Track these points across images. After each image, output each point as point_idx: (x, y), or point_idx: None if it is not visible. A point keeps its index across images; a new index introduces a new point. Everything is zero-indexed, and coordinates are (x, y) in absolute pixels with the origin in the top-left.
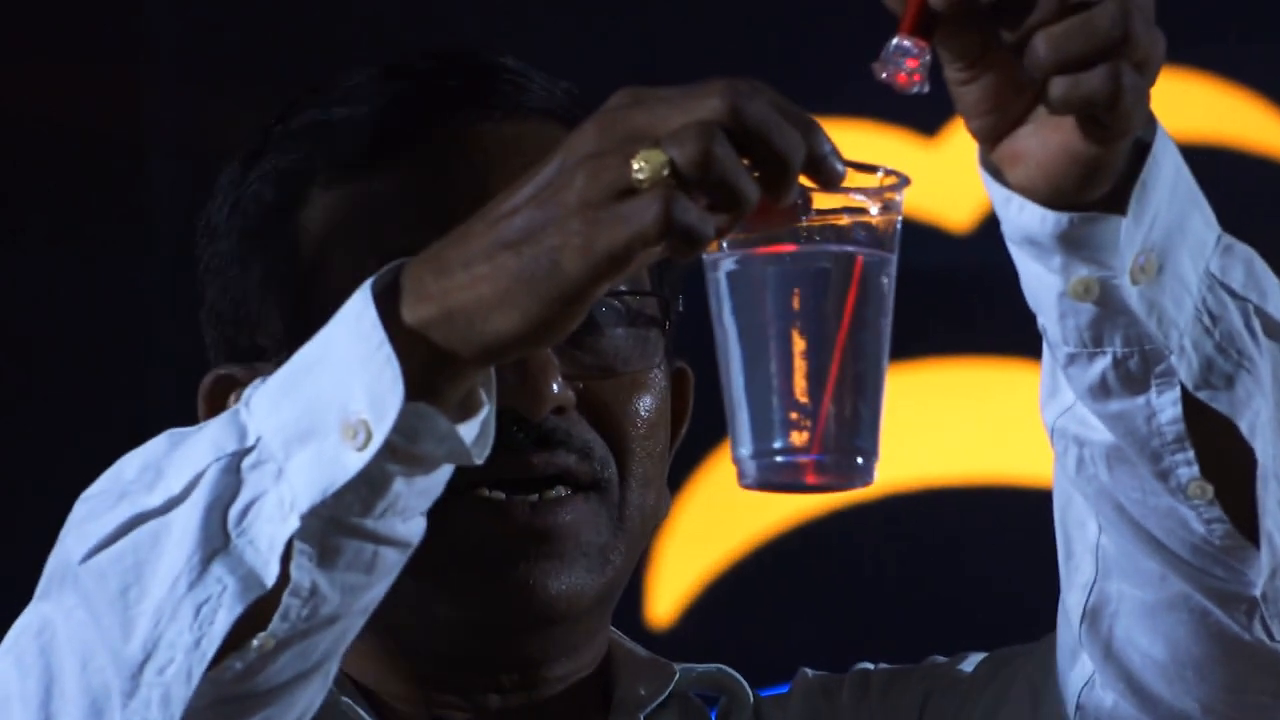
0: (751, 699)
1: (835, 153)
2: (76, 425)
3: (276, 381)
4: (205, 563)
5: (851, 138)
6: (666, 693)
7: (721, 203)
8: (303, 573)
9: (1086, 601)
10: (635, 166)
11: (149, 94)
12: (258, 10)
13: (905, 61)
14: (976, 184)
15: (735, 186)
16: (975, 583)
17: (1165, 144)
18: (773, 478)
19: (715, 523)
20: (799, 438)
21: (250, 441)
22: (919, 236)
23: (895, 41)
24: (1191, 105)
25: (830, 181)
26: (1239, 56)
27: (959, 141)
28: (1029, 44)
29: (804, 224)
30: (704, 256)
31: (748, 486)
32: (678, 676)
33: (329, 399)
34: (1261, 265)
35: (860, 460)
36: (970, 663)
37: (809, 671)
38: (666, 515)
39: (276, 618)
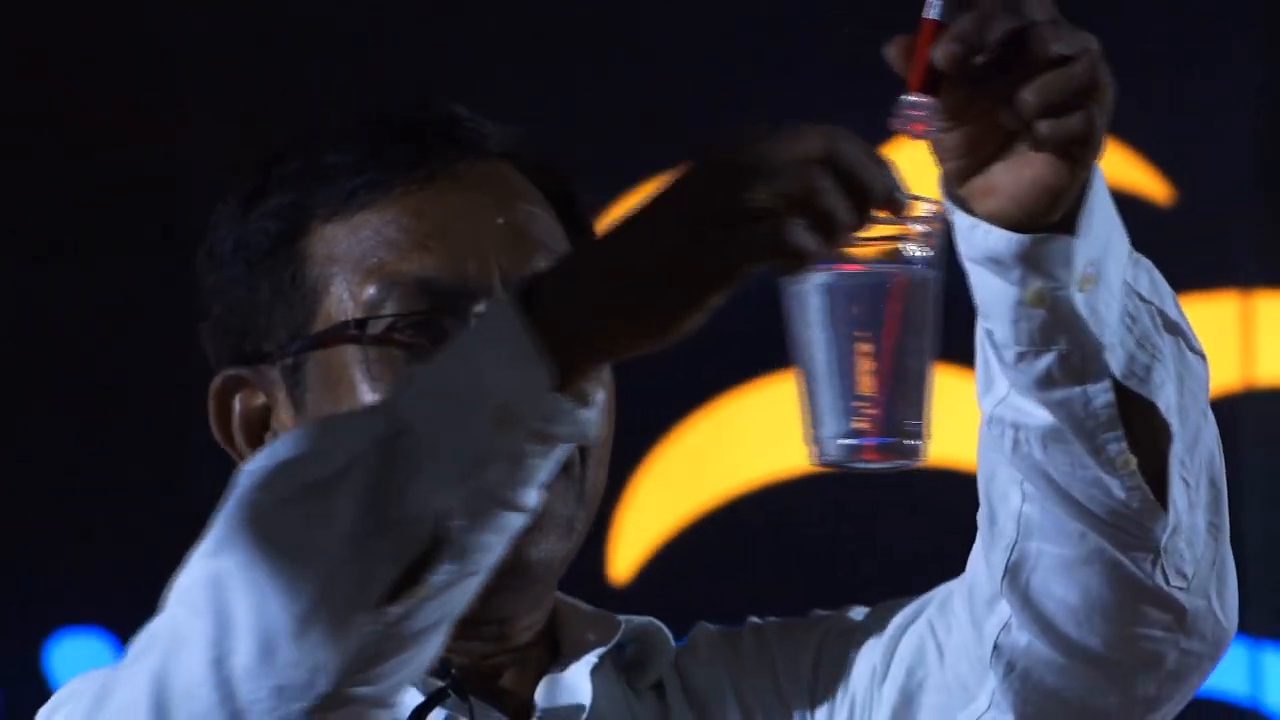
0: (672, 650)
1: (902, 186)
2: (114, 449)
3: (423, 380)
4: (372, 525)
5: None
6: (614, 640)
7: (822, 228)
8: (456, 535)
9: (1008, 559)
10: (754, 196)
11: (182, 132)
12: (278, 54)
13: (916, 114)
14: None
15: (835, 215)
16: (900, 546)
17: (1098, 173)
18: (842, 457)
19: (670, 491)
20: (865, 424)
21: (404, 426)
22: None
23: (906, 98)
24: None
25: (898, 210)
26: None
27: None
28: (1018, 94)
29: (872, 245)
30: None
31: (823, 464)
32: (623, 626)
33: (479, 390)
34: (1158, 274)
35: (913, 442)
36: (858, 613)
37: (707, 625)
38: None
39: (431, 573)
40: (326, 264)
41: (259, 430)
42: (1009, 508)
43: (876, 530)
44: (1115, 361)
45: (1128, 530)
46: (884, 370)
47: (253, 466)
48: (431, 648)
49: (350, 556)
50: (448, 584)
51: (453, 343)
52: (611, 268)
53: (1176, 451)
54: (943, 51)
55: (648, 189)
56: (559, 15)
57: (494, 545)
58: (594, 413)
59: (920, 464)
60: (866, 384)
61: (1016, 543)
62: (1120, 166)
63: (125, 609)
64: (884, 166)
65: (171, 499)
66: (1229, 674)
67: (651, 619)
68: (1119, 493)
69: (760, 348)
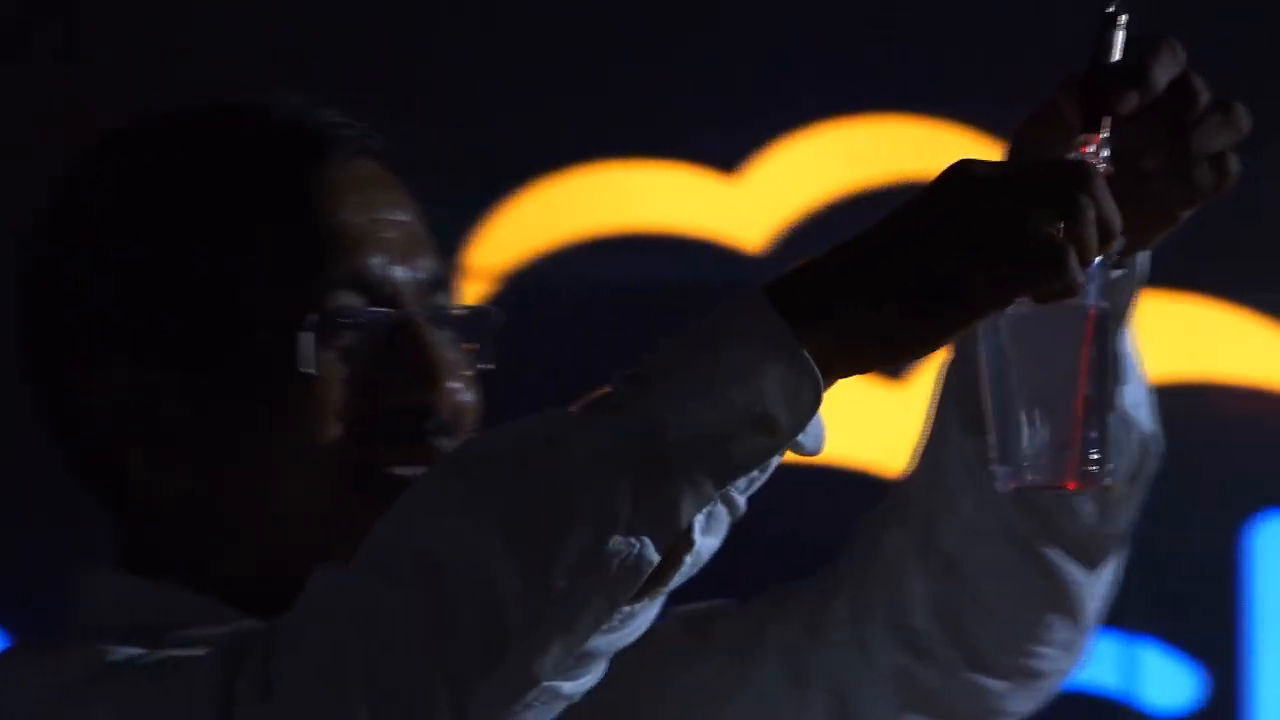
0: None
1: None
2: None
3: (679, 372)
4: (621, 527)
5: (659, 178)
6: None
7: (1083, 260)
8: (698, 536)
9: (942, 561)
10: (1044, 224)
11: None
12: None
13: (1096, 155)
14: (770, 212)
15: (1092, 247)
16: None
17: None
18: (1039, 484)
19: None
20: (1062, 453)
21: (661, 425)
22: (719, 256)
23: (1083, 138)
24: (949, 154)
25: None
26: (988, 108)
27: (755, 178)
28: (1187, 136)
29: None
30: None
31: (1018, 490)
32: None
33: (747, 399)
34: None
35: (1103, 468)
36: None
37: None
38: None
39: (675, 577)
40: (248, 256)
41: (133, 420)
42: (950, 528)
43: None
44: (1126, 392)
45: (1079, 549)
46: (1083, 401)
47: (463, 457)
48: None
49: (599, 560)
50: (670, 589)
51: (702, 337)
52: (882, 282)
53: (1140, 482)
54: (1122, 97)
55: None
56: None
57: (714, 547)
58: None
59: (1102, 487)
60: (1068, 415)
61: (951, 561)
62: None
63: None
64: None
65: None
66: (1103, 668)
67: None
68: (1088, 519)
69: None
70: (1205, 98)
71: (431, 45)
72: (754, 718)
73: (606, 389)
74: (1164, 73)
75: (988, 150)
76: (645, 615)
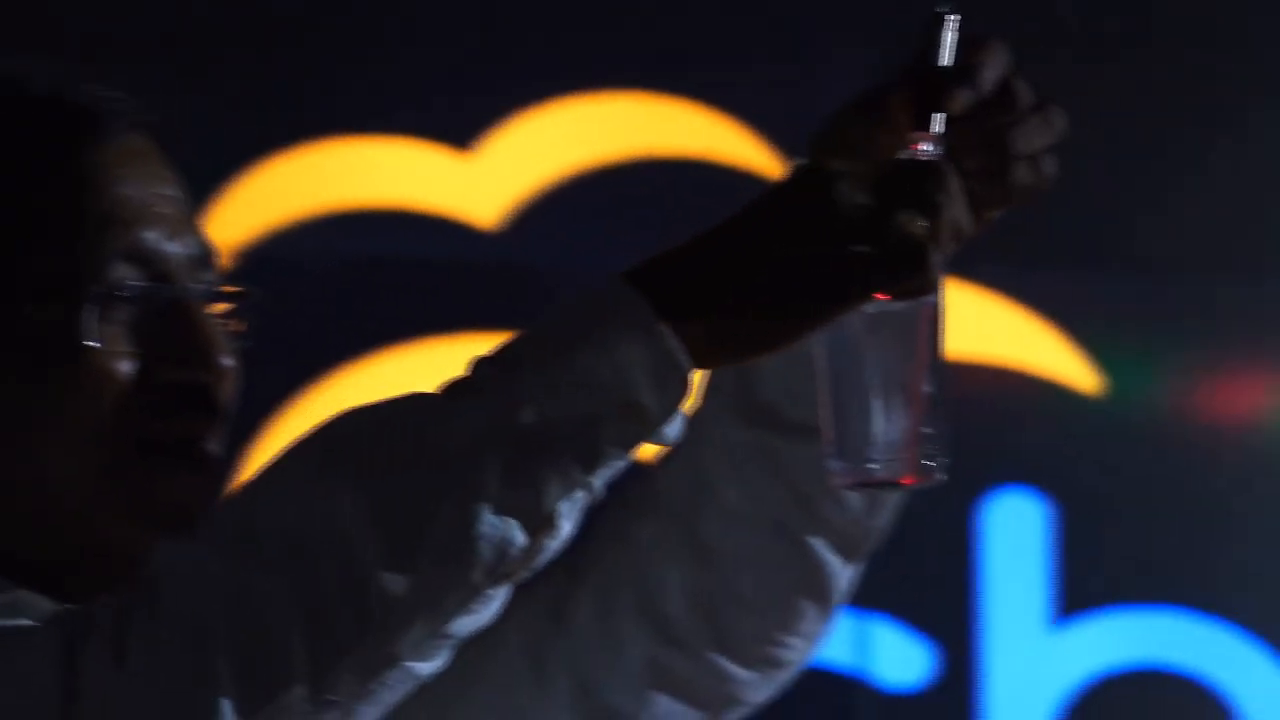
0: None
1: None
2: None
3: (548, 360)
4: (490, 511)
5: (394, 153)
6: None
7: (943, 260)
8: (564, 521)
9: (705, 555)
10: (911, 220)
11: None
12: None
13: (917, 153)
14: (504, 189)
15: (946, 248)
16: None
17: None
18: (878, 479)
19: None
20: (901, 447)
21: (529, 415)
22: (453, 232)
23: (916, 135)
24: (683, 129)
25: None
26: (721, 83)
27: (490, 154)
28: (1008, 136)
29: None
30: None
31: (853, 486)
32: None
33: (619, 390)
34: None
35: (939, 461)
36: None
37: None
38: None
39: (536, 560)
40: (24, 230)
41: None
42: (712, 518)
43: None
44: None
45: (842, 541)
46: (918, 396)
47: (341, 432)
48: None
49: (466, 543)
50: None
51: (569, 324)
52: (748, 276)
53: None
54: (955, 97)
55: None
56: None
57: (567, 535)
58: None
59: (939, 483)
60: (913, 411)
61: (709, 550)
62: (736, 144)
63: None
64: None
65: None
66: (837, 645)
67: None
68: (856, 512)
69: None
70: (1026, 99)
71: (167, 15)
72: (495, 707)
73: (468, 373)
74: (992, 73)
75: (718, 124)
76: (501, 598)
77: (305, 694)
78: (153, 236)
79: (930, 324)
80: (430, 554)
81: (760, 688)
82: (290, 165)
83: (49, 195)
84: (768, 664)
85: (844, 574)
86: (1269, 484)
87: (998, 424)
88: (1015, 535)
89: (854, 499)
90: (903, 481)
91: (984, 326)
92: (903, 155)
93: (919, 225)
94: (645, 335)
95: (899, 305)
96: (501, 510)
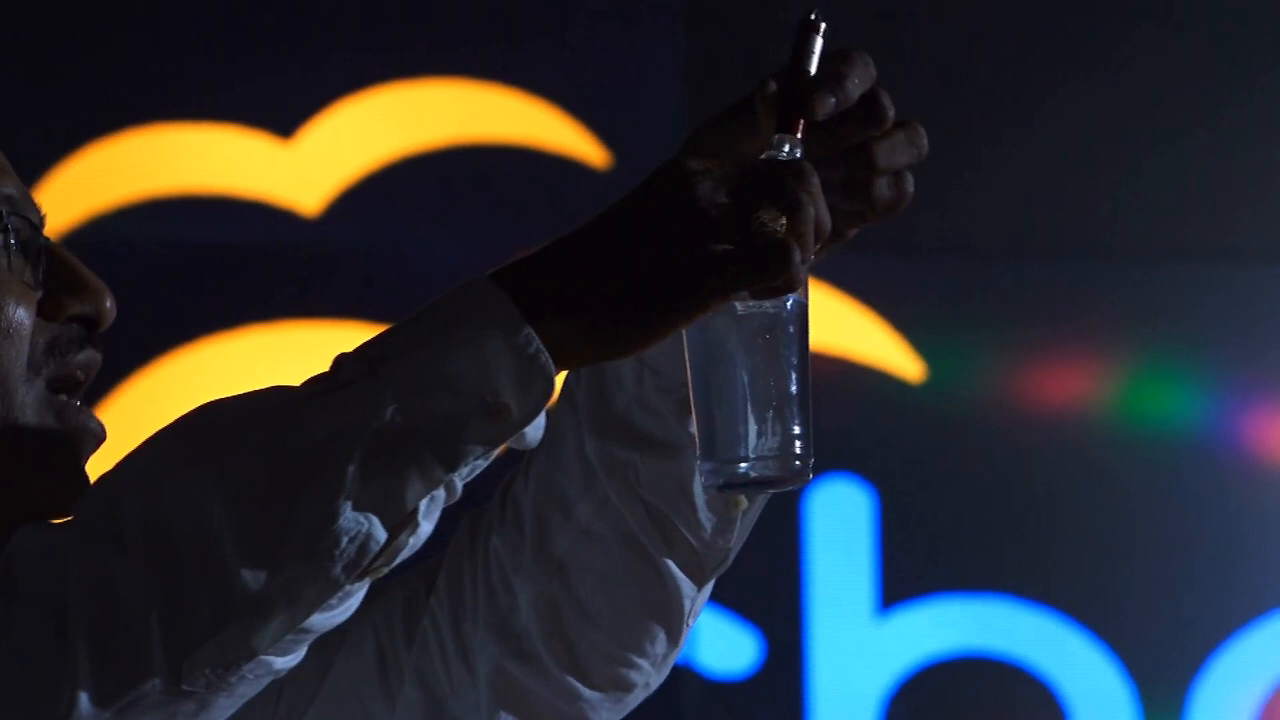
0: None
1: None
2: None
3: (414, 357)
4: (359, 501)
5: (215, 140)
6: None
7: (804, 259)
8: (422, 519)
9: (556, 564)
10: (771, 220)
11: None
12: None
13: (781, 153)
14: (325, 177)
15: (810, 245)
16: None
17: None
18: (744, 479)
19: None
20: (769, 447)
21: (392, 413)
22: (275, 219)
23: (779, 137)
24: (502, 116)
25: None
26: (540, 70)
27: (311, 141)
28: (870, 149)
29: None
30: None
31: (721, 486)
32: None
33: (481, 388)
34: None
35: (806, 464)
36: None
37: None
38: None
39: (397, 558)
40: None
41: None
42: (567, 533)
43: None
44: None
45: (691, 563)
46: (787, 396)
47: (206, 423)
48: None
49: (326, 538)
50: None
51: (434, 324)
52: (611, 276)
53: (764, 498)
54: (819, 103)
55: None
56: None
57: (428, 534)
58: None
59: (807, 483)
60: (779, 409)
61: (562, 566)
62: (556, 131)
63: None
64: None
65: None
66: None
67: None
68: (705, 526)
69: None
70: (891, 114)
71: None
72: (342, 712)
73: (332, 369)
74: (857, 84)
75: (537, 110)
76: (359, 595)
77: (162, 684)
78: (16, 191)
79: (798, 324)
80: (290, 548)
81: (607, 710)
82: (111, 152)
83: None
84: (616, 685)
85: (693, 597)
86: (1089, 469)
87: (821, 412)
88: (839, 523)
89: (706, 518)
90: (773, 481)
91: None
92: (767, 155)
93: (779, 223)
94: (509, 335)
95: (764, 305)
96: (362, 506)
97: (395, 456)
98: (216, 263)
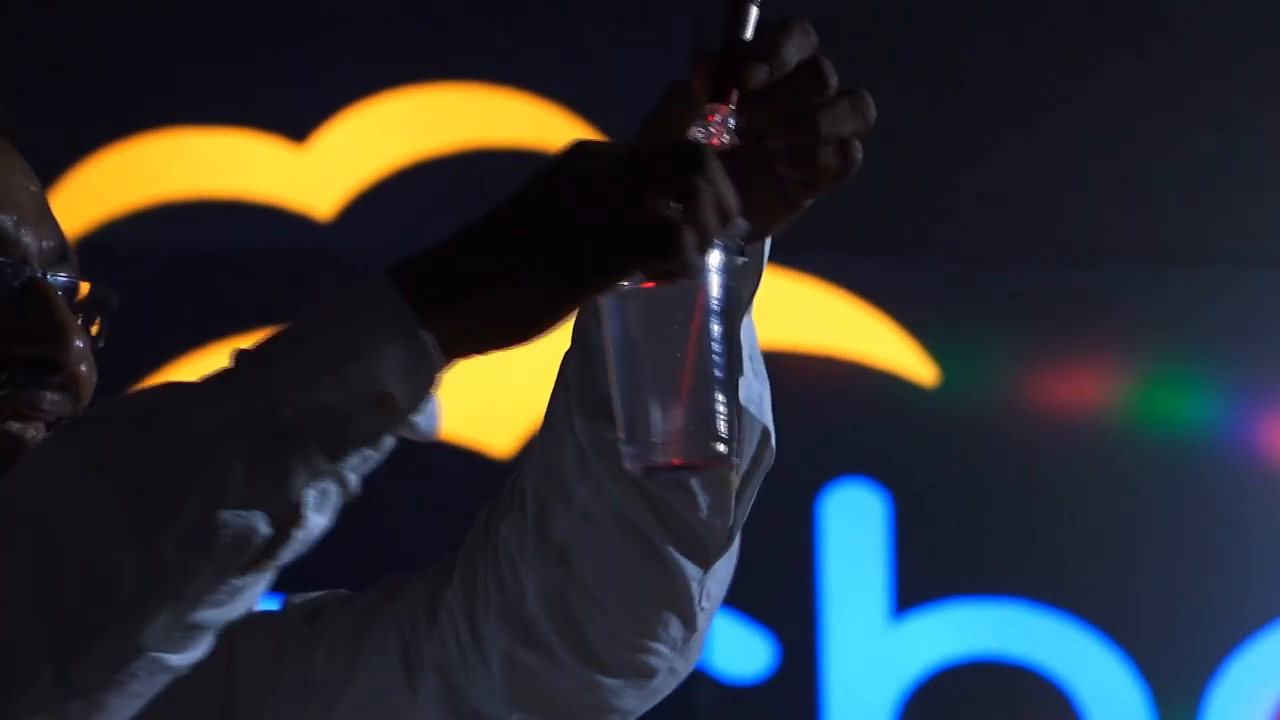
0: None
1: None
2: None
3: (302, 350)
4: (243, 495)
5: (229, 144)
6: None
7: (699, 241)
8: (309, 512)
9: (555, 550)
10: (656, 203)
11: None
12: None
13: (720, 127)
14: (338, 181)
15: (709, 229)
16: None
17: None
18: (663, 461)
19: None
20: (689, 432)
21: (282, 400)
22: (288, 223)
23: (710, 108)
24: (513, 120)
25: (734, 228)
26: (550, 73)
27: (324, 145)
28: (813, 118)
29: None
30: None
31: (640, 470)
32: None
33: (366, 377)
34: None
35: (730, 447)
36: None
37: None
38: None
39: (283, 551)
40: None
41: None
42: (566, 517)
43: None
44: (742, 387)
45: (691, 544)
46: (706, 381)
47: (93, 420)
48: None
49: (209, 530)
50: (280, 565)
51: (328, 317)
52: (511, 266)
53: (757, 476)
54: (751, 69)
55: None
56: None
57: (322, 526)
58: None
59: (730, 469)
60: (695, 394)
61: (564, 551)
62: (567, 134)
63: None
64: (732, 186)
65: None
66: None
67: None
68: (701, 506)
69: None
70: (834, 82)
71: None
72: (368, 706)
73: (229, 363)
74: (794, 52)
75: (548, 114)
76: (254, 590)
77: (50, 683)
78: (9, 221)
79: (703, 307)
80: (171, 543)
81: (632, 697)
82: (125, 156)
83: None
84: (636, 671)
85: (701, 580)
86: (1103, 473)
87: (835, 416)
88: (854, 527)
89: (702, 498)
90: (693, 466)
91: (818, 317)
92: (695, 130)
93: (669, 207)
94: (396, 325)
95: (664, 289)
96: (243, 500)
97: (278, 449)
98: (230, 266)
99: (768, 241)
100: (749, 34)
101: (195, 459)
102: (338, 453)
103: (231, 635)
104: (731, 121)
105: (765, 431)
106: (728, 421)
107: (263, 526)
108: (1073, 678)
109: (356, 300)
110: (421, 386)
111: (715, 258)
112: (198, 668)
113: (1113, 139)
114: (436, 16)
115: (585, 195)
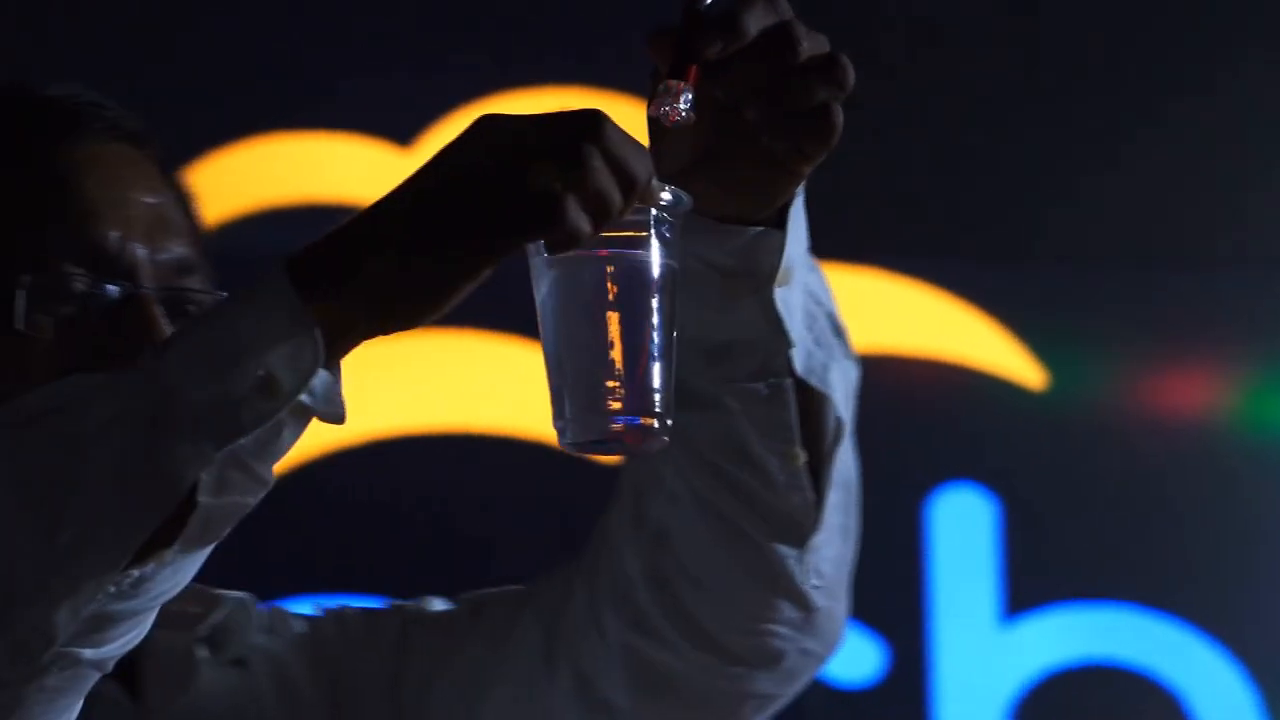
0: (254, 628)
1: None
2: None
3: (190, 342)
4: (127, 487)
5: (336, 149)
6: (222, 610)
7: (594, 210)
8: (204, 500)
9: (651, 542)
10: (533, 172)
11: None
12: None
13: (675, 102)
14: None
15: (607, 196)
16: (442, 521)
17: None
18: (593, 438)
19: None
20: (616, 406)
21: (169, 387)
22: None
23: (665, 85)
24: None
25: (652, 198)
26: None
27: (430, 150)
28: (777, 87)
29: (621, 232)
30: (543, 256)
31: (570, 446)
32: (223, 599)
33: (247, 358)
34: (826, 281)
35: (658, 425)
36: (436, 604)
37: (284, 608)
38: None
39: (180, 539)
40: None
41: None
42: (658, 500)
43: (434, 502)
44: (799, 358)
45: (778, 523)
46: (638, 354)
47: (14, 408)
48: (152, 616)
49: (106, 516)
50: (186, 552)
51: (223, 306)
52: (382, 240)
53: (842, 451)
54: (706, 41)
55: None
56: None
57: (234, 515)
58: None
59: (663, 446)
60: (621, 367)
61: (662, 534)
62: None
63: None
64: (645, 153)
65: None
66: None
67: (246, 594)
68: (780, 488)
69: None
70: (805, 48)
71: (116, 12)
72: (516, 698)
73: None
74: (756, 21)
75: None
76: (162, 579)
77: None
78: (115, 237)
79: (633, 281)
80: (65, 531)
81: (767, 680)
82: (232, 161)
83: (13, 188)
84: (758, 654)
85: (800, 558)
86: (1214, 476)
87: (943, 421)
88: (963, 532)
89: (777, 473)
90: (611, 439)
91: (926, 322)
92: (655, 103)
93: (552, 175)
94: (281, 308)
95: (573, 260)
96: (133, 488)
97: (168, 437)
98: None
99: (795, 210)
100: (706, 3)
101: (89, 448)
102: (226, 437)
103: (408, 630)
104: (688, 97)
105: (828, 400)
106: (656, 394)
107: (150, 515)
108: (1183, 682)
109: (251, 288)
110: (306, 368)
111: (653, 228)
112: (363, 671)
113: (1222, 141)
114: (543, 19)
115: (472, 168)
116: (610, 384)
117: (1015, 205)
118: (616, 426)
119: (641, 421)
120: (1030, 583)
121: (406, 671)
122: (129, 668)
